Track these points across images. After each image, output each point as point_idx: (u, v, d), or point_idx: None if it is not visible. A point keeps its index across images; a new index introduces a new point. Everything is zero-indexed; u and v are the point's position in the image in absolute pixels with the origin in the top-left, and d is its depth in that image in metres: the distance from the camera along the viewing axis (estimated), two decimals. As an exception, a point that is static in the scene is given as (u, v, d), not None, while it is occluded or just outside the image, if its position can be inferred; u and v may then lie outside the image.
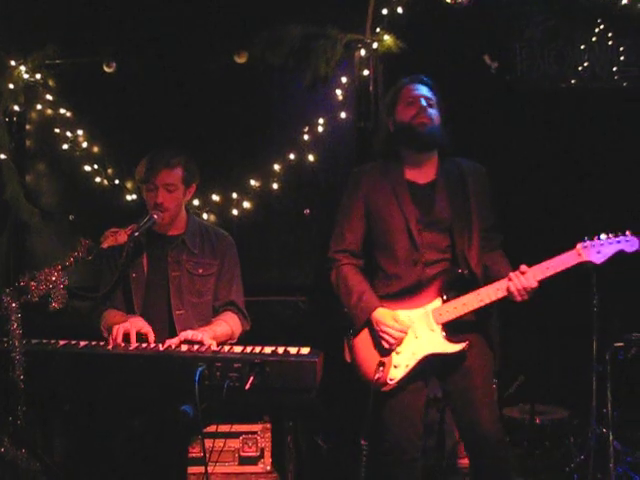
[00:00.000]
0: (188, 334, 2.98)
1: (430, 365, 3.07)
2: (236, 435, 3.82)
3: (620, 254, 2.94)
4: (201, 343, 2.95)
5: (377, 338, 3.06)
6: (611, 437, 3.85)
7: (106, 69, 4.46)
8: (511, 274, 2.95)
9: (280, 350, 2.79)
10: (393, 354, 3.04)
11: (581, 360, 3.84)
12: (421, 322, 3.05)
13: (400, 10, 4.32)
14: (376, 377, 2.97)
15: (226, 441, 3.67)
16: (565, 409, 4.42)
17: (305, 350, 2.81)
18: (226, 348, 2.88)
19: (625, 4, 4.63)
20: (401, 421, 3.09)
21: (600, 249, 2.93)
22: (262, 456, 3.84)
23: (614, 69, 4.97)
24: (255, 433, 3.86)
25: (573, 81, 4.94)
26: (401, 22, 4.35)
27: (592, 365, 3.74)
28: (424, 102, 3.09)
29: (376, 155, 3.29)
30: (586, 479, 3.89)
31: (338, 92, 4.37)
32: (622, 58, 4.96)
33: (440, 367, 3.10)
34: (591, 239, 2.94)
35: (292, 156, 4.40)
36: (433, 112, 3.09)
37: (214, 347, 2.92)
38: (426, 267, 3.07)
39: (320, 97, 4.40)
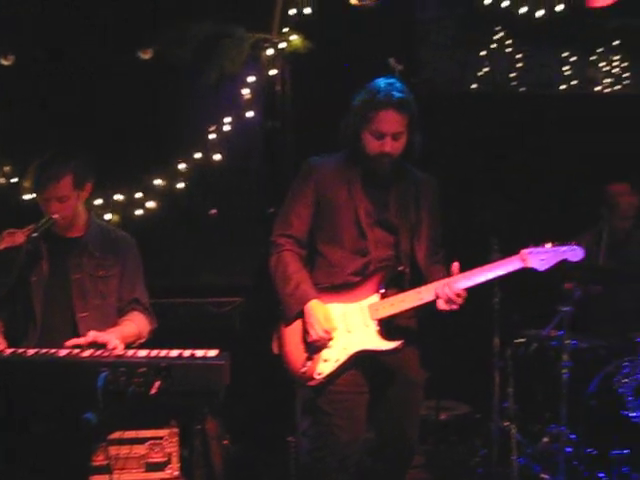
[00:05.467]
0: (96, 335, 2.89)
1: (365, 365, 3.01)
2: (142, 441, 3.70)
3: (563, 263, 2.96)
4: (106, 345, 2.87)
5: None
6: (512, 430, 3.98)
7: (3, 62, 4.31)
8: (453, 272, 2.92)
9: (186, 353, 2.74)
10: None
11: (483, 356, 3.94)
12: (356, 317, 3.00)
13: (307, 10, 4.34)
14: (302, 370, 2.93)
15: (132, 447, 3.56)
16: (468, 405, 4.55)
17: (212, 353, 2.77)
18: (130, 352, 2.81)
19: (523, 13, 4.79)
20: (350, 425, 3.01)
21: (545, 257, 2.94)
22: (169, 462, 3.75)
23: (512, 75, 5.15)
24: (162, 438, 3.76)
25: (474, 86, 5.09)
26: (309, 22, 4.36)
27: (494, 361, 3.85)
28: (389, 143, 2.98)
29: (341, 143, 3.17)
30: (490, 472, 4.00)
31: (245, 91, 4.35)
32: (520, 65, 5.15)
33: (379, 372, 3.05)
34: (536, 246, 2.95)
35: (198, 155, 4.34)
36: (397, 146, 3.01)
37: (121, 349, 2.85)
38: (372, 261, 3.05)
39: (227, 96, 4.37)
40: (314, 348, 2.99)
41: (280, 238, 3.14)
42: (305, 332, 3.01)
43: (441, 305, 2.92)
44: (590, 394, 4.11)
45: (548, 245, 2.96)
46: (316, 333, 2.95)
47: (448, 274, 2.97)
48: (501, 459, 3.98)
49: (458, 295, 2.90)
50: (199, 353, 2.75)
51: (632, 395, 3.95)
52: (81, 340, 2.89)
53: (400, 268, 3.05)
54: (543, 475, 4.02)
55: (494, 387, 3.90)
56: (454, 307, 2.92)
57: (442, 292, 2.91)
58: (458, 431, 4.44)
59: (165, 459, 3.74)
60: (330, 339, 2.97)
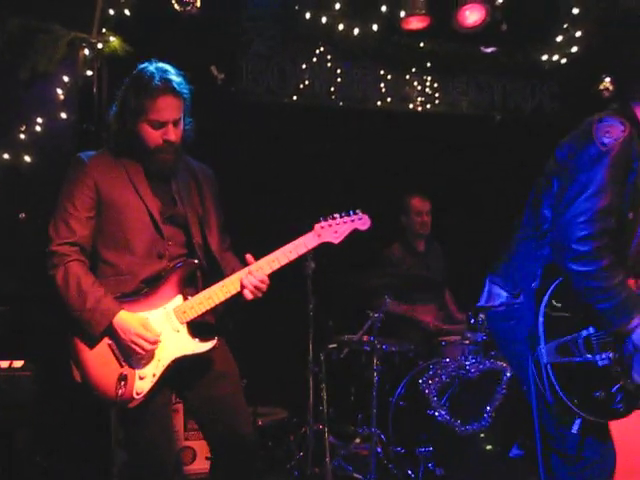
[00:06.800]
0: None
1: (178, 371, 2.84)
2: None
3: (355, 232, 2.97)
4: None
5: (120, 348, 2.76)
6: (326, 433, 4.10)
7: None
8: (256, 262, 2.85)
9: (-11, 364, 2.61)
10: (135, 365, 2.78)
11: (299, 361, 4.04)
12: (163, 323, 2.81)
13: (128, 12, 4.25)
14: (119, 393, 2.67)
15: None
16: (285, 409, 4.64)
17: (18, 364, 2.65)
18: None
19: (341, 30, 5.00)
20: (163, 433, 2.85)
21: (337, 229, 2.93)
22: (-26, 482, 3.53)
23: (332, 89, 5.34)
24: (-36, 457, 3.52)
25: (295, 97, 5.23)
26: (129, 24, 4.27)
27: (309, 366, 3.95)
28: (172, 131, 2.83)
29: (109, 140, 2.95)
30: (305, 474, 4.10)
31: (59, 91, 4.17)
32: (339, 80, 5.35)
33: (185, 376, 2.89)
34: (326, 219, 2.93)
35: (7, 156, 4.11)
36: (179, 133, 2.87)
37: None
38: (170, 262, 2.88)
39: (40, 95, 4.16)
40: (126, 366, 2.77)
41: (62, 247, 2.80)
42: (117, 351, 2.78)
43: (248, 295, 2.84)
44: (399, 396, 4.33)
45: (337, 216, 2.96)
46: (146, 345, 2.74)
47: (244, 264, 2.89)
48: (316, 461, 4.08)
49: (262, 282, 2.85)
50: (4, 364, 2.63)
51: (436, 395, 4.18)
52: None
53: (195, 262, 2.92)
54: (356, 475, 4.17)
55: (309, 391, 4.00)
56: (259, 295, 2.86)
57: (247, 282, 2.82)
58: (276, 436, 4.51)
59: (-33, 479, 3.51)
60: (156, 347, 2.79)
